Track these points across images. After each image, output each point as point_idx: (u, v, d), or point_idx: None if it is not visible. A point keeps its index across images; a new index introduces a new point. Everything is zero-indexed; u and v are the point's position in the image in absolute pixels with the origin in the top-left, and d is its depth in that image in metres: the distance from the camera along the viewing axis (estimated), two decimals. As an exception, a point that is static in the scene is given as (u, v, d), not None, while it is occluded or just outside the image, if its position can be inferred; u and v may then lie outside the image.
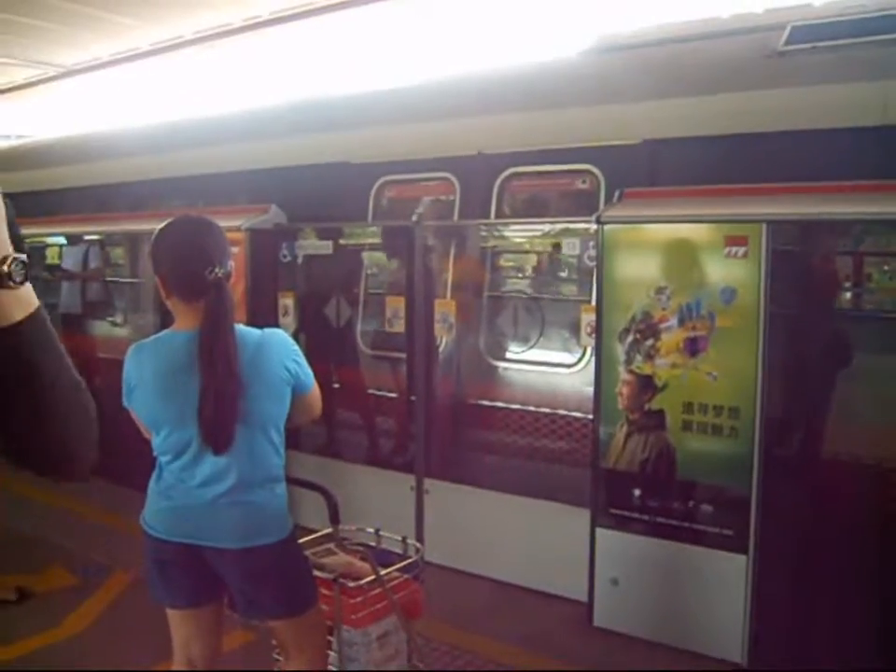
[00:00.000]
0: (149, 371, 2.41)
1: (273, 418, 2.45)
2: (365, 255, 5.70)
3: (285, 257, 5.41)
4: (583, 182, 4.48)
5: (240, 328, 2.43)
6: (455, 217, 5.07)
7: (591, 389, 4.09)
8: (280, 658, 2.92)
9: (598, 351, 3.98)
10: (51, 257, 7.61)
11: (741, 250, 3.58)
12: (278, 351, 2.43)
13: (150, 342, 2.47)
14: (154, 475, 2.54)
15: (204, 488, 2.42)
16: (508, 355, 5.17)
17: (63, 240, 7.45)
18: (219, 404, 2.31)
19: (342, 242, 5.53)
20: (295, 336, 5.26)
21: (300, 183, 5.52)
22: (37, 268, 7.62)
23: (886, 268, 3.70)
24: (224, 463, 2.39)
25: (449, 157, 5.05)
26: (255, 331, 2.46)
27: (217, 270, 2.33)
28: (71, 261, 7.33)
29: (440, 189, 5.22)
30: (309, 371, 2.51)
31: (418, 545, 3.07)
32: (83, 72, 9.25)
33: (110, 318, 6.81)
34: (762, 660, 3.67)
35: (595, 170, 4.43)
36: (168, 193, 6.52)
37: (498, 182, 4.62)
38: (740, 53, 4.25)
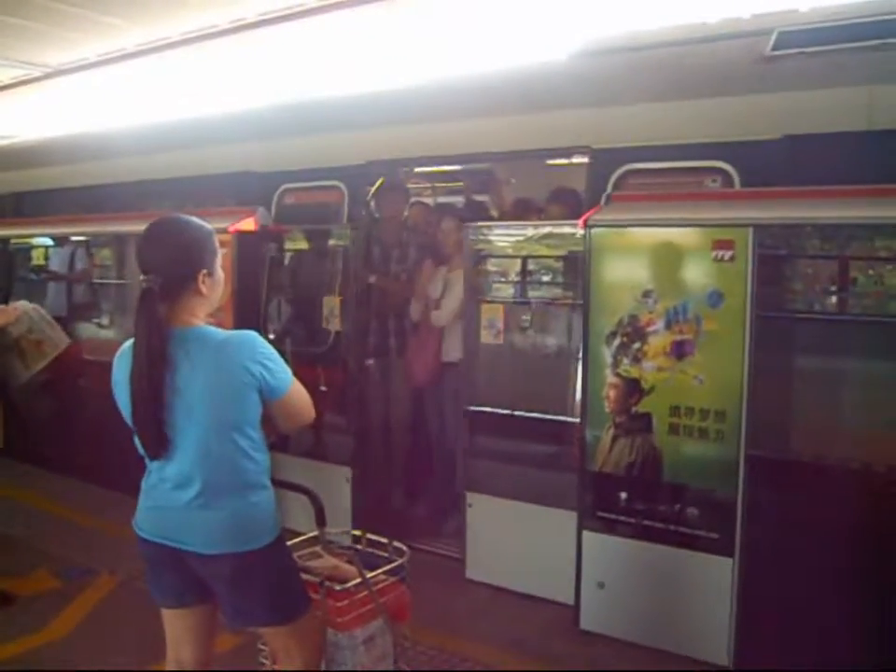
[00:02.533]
0: (124, 372, 2.42)
1: (237, 422, 2.39)
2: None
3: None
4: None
5: (206, 328, 2.43)
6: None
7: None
8: (266, 661, 2.92)
9: (585, 354, 3.99)
10: (37, 258, 7.57)
11: (728, 254, 3.59)
12: (240, 353, 2.36)
13: (132, 343, 2.47)
14: (145, 474, 2.53)
15: (178, 491, 2.42)
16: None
17: (49, 241, 7.42)
18: (142, 411, 2.35)
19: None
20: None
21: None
22: (23, 269, 7.60)
23: (871, 272, 3.71)
24: (187, 467, 2.39)
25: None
26: (219, 333, 2.42)
27: (149, 278, 2.36)
28: (57, 263, 7.29)
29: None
30: (284, 375, 2.45)
31: (404, 548, 3.07)
32: (69, 72, 9.18)
33: (96, 320, 6.76)
34: (747, 662, 3.69)
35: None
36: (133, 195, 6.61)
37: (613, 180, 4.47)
38: (728, 58, 4.26)
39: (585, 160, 5.43)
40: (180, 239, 2.45)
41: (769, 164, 3.86)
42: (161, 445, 2.38)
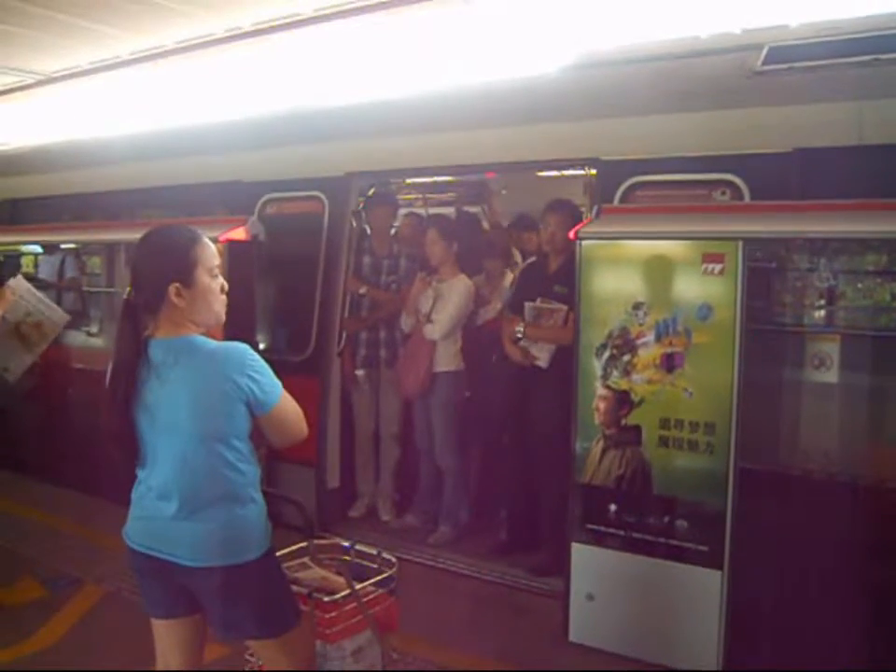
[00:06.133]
0: None
1: (223, 434, 2.37)
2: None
3: None
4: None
5: (195, 338, 2.41)
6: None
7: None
8: (252, 658, 2.90)
9: (575, 366, 3.99)
10: (27, 265, 7.54)
11: (718, 267, 3.60)
12: (228, 365, 2.35)
13: None
14: (135, 483, 2.53)
15: (161, 501, 2.41)
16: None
17: (38, 249, 7.40)
18: (109, 420, 2.38)
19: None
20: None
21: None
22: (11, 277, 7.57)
23: (860, 286, 3.74)
24: (169, 477, 2.39)
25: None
26: (209, 343, 2.40)
27: (130, 291, 2.38)
28: (47, 270, 7.27)
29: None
30: (272, 389, 2.42)
31: (392, 559, 3.06)
32: (62, 80, 9.18)
33: (85, 328, 6.74)
34: (736, 675, 3.69)
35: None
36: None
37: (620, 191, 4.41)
38: (719, 72, 4.29)
39: (580, 171, 5.45)
40: (152, 252, 2.44)
41: (779, 177, 3.87)
42: (127, 453, 2.41)
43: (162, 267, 2.40)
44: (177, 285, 2.38)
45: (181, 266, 2.41)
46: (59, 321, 5.21)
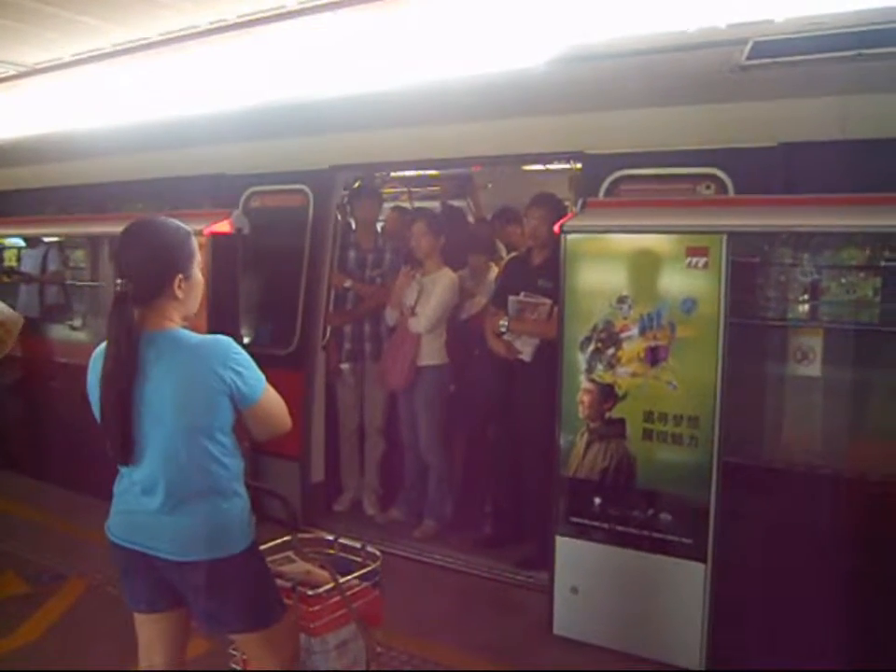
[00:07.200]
0: (97, 375, 2.40)
1: (207, 428, 2.37)
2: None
3: None
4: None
5: (179, 332, 2.41)
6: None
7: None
8: (237, 666, 2.90)
9: (560, 359, 4.00)
10: (8, 259, 7.50)
11: (702, 261, 3.61)
12: (212, 358, 2.34)
13: (105, 346, 2.45)
14: (118, 478, 2.51)
15: (146, 497, 2.40)
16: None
17: (21, 242, 7.35)
18: (109, 417, 2.34)
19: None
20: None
21: None
22: (-6, 270, 7.52)
23: (843, 280, 3.76)
24: (154, 471, 2.37)
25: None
26: (193, 337, 2.39)
27: (122, 283, 2.35)
28: (30, 264, 7.22)
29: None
30: (256, 382, 2.41)
31: (377, 553, 3.06)
32: (45, 71, 9.14)
33: (69, 322, 6.70)
34: (719, 667, 3.70)
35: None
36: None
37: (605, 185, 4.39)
38: (704, 67, 4.30)
39: (566, 165, 5.45)
40: (154, 243, 2.43)
41: (762, 172, 3.88)
42: (126, 451, 2.37)
43: (168, 259, 2.42)
44: (181, 276, 2.41)
45: (183, 259, 2.44)
46: (17, 320, 5.37)
